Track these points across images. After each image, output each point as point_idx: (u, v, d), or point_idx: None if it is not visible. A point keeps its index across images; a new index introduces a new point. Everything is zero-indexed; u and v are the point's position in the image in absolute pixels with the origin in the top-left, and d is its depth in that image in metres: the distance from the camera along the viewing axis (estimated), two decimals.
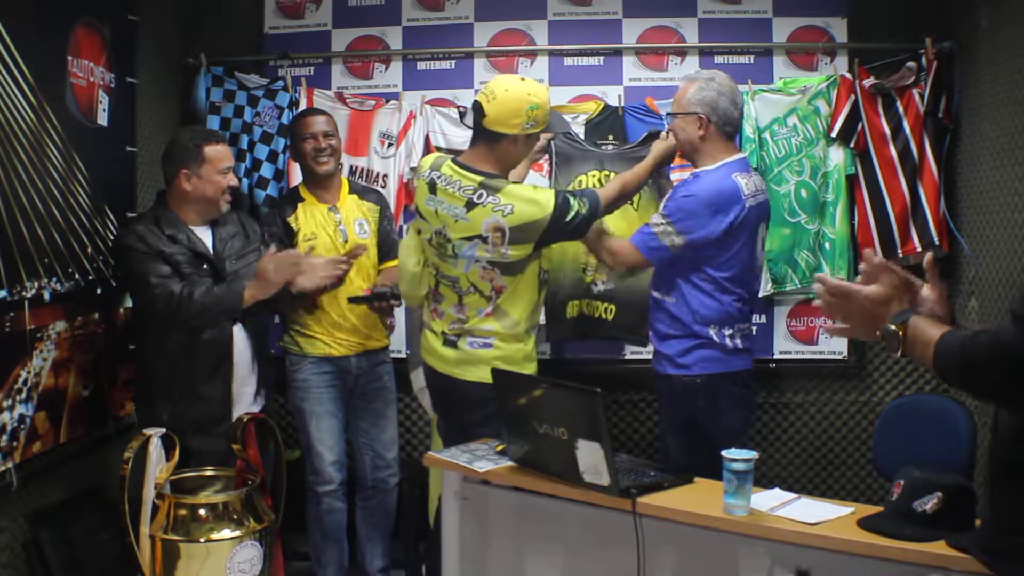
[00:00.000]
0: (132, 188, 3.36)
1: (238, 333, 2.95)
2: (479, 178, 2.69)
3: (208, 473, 2.89)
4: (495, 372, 2.66)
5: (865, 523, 2.08)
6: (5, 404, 2.56)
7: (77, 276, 2.93)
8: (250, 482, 2.80)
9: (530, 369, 2.84)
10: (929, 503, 2.03)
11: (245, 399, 2.99)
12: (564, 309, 3.54)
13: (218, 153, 2.92)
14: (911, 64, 3.47)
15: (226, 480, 2.88)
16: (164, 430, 2.77)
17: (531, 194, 2.71)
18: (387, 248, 3.34)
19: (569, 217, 2.68)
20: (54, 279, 2.81)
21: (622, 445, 3.77)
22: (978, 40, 3.32)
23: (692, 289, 2.80)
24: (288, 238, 3.20)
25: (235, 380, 2.94)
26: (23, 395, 2.65)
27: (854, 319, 1.74)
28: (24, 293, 2.65)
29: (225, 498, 2.74)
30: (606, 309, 3.52)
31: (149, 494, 2.69)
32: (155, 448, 2.73)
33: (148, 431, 2.74)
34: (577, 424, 2.30)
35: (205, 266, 2.92)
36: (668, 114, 3.00)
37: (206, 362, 2.89)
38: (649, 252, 2.81)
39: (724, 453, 2.17)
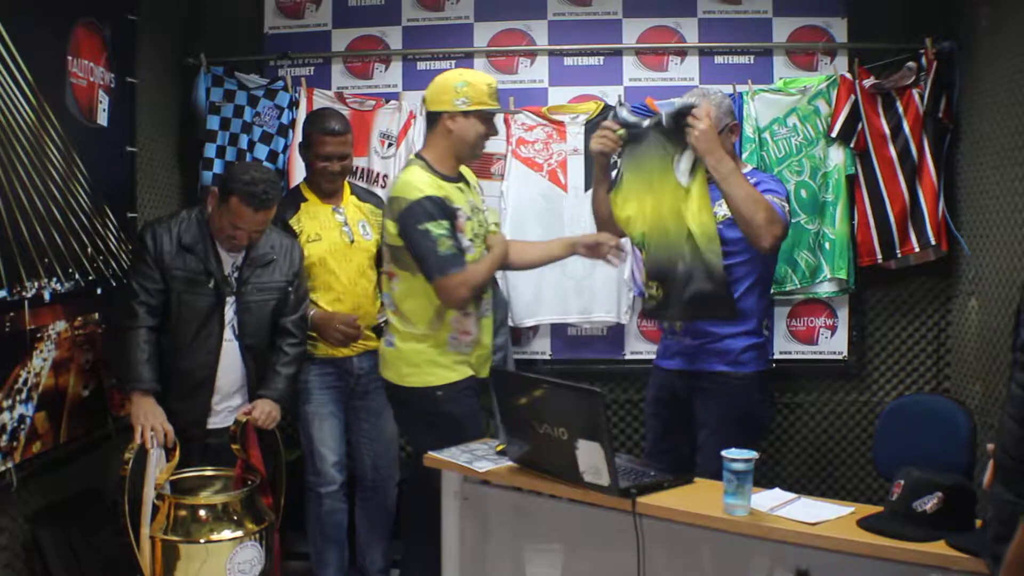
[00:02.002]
0: (132, 188, 3.36)
1: (230, 351, 2.92)
2: (412, 157, 2.87)
3: (208, 473, 2.88)
4: (495, 372, 2.67)
5: (865, 523, 2.08)
6: (5, 404, 2.56)
7: (77, 276, 2.92)
8: (250, 483, 2.80)
9: (442, 378, 2.79)
10: (929, 503, 2.03)
11: (220, 415, 2.94)
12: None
13: (241, 212, 2.78)
14: (911, 64, 3.47)
15: (226, 480, 2.88)
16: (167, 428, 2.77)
17: (415, 179, 2.74)
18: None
19: (424, 228, 2.66)
20: (54, 279, 2.81)
21: (622, 445, 3.77)
22: (978, 40, 3.32)
23: (762, 284, 2.87)
24: None
25: (216, 395, 2.92)
26: (23, 395, 2.65)
27: None
28: (24, 293, 2.65)
29: (225, 499, 2.73)
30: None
31: (149, 495, 2.68)
32: (155, 449, 2.73)
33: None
34: (577, 424, 2.30)
35: (211, 285, 2.86)
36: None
37: (184, 382, 2.87)
38: (786, 229, 2.76)
39: (724, 453, 2.17)
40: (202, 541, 2.65)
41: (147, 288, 2.83)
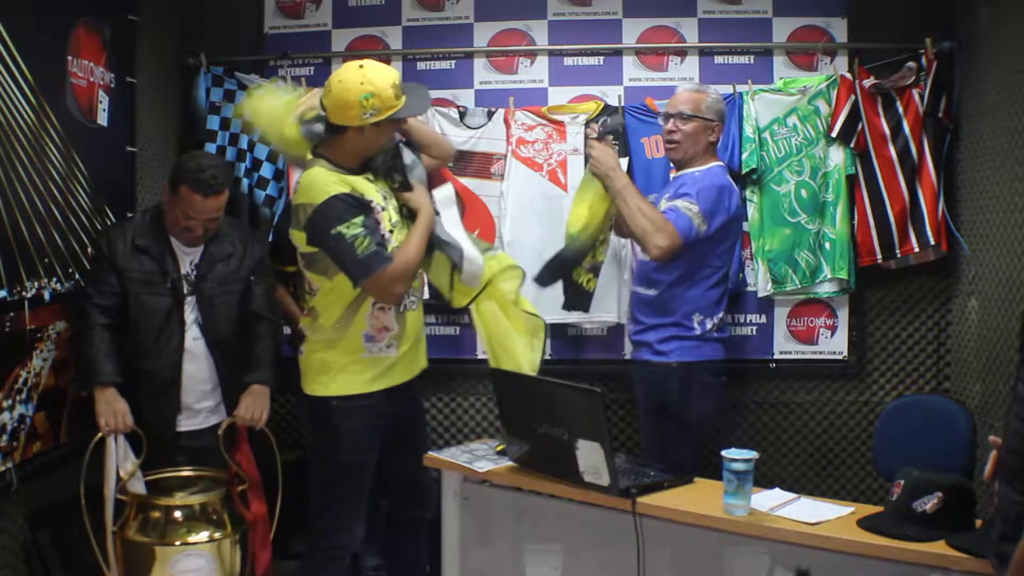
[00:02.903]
0: (132, 188, 3.36)
1: (197, 349, 2.88)
2: (309, 156, 2.65)
3: (185, 473, 2.84)
4: (495, 372, 2.66)
5: (865, 523, 2.08)
6: (5, 404, 2.56)
7: (77, 276, 2.92)
8: (224, 487, 2.76)
9: (343, 388, 2.65)
10: (929, 503, 2.04)
11: (198, 416, 2.92)
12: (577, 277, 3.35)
13: (191, 200, 2.76)
14: (911, 64, 3.47)
15: (209, 483, 2.82)
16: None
17: (319, 181, 2.54)
18: None
19: (337, 231, 2.47)
20: (54, 279, 2.81)
21: (622, 445, 3.77)
22: (978, 40, 3.32)
23: (689, 279, 2.93)
24: None
25: (187, 395, 2.89)
26: (23, 395, 2.65)
27: None
28: (24, 293, 2.65)
29: (192, 501, 2.68)
30: (588, 280, 3.40)
31: (110, 492, 2.65)
32: (117, 445, 2.68)
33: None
34: (577, 424, 2.30)
35: (168, 285, 2.84)
36: (682, 115, 2.99)
37: (150, 383, 2.84)
38: (686, 235, 2.84)
39: (724, 453, 2.17)
40: (151, 542, 2.61)
41: (101, 291, 2.81)
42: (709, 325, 2.95)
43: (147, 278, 2.83)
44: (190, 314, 2.89)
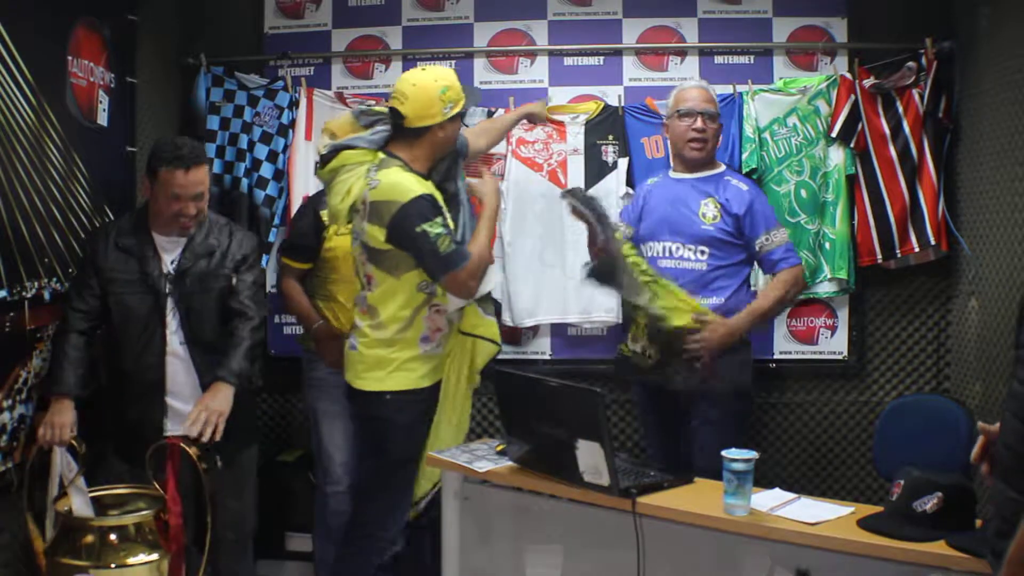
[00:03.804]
0: (132, 188, 3.36)
1: (179, 350, 2.81)
2: (382, 156, 2.75)
3: (120, 491, 2.75)
4: (495, 372, 2.66)
5: (865, 523, 2.08)
6: (5, 404, 2.56)
7: None
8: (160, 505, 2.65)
9: (400, 383, 2.73)
10: (929, 503, 2.04)
11: (179, 421, 2.81)
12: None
13: (172, 178, 2.71)
14: (911, 64, 3.47)
15: (150, 501, 2.71)
16: (73, 434, 2.64)
17: (403, 180, 2.67)
18: None
19: (422, 230, 2.61)
20: (54, 279, 2.81)
21: (622, 445, 3.77)
22: (978, 40, 3.32)
23: (746, 282, 3.09)
24: (316, 233, 3.16)
25: (173, 398, 2.82)
26: (23, 395, 2.65)
27: None
28: (24, 293, 2.65)
29: (126, 521, 2.57)
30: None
31: (51, 496, 2.59)
32: (59, 456, 2.59)
33: None
34: (577, 424, 2.30)
35: (148, 283, 2.79)
36: (710, 114, 3.09)
37: (134, 385, 2.80)
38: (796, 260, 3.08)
39: (724, 453, 2.17)
40: (81, 565, 2.48)
41: (81, 294, 2.78)
42: None
43: (128, 279, 2.79)
44: (171, 314, 2.81)
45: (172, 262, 2.84)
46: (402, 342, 2.73)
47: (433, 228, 2.62)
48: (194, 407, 2.72)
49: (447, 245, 2.63)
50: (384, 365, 2.74)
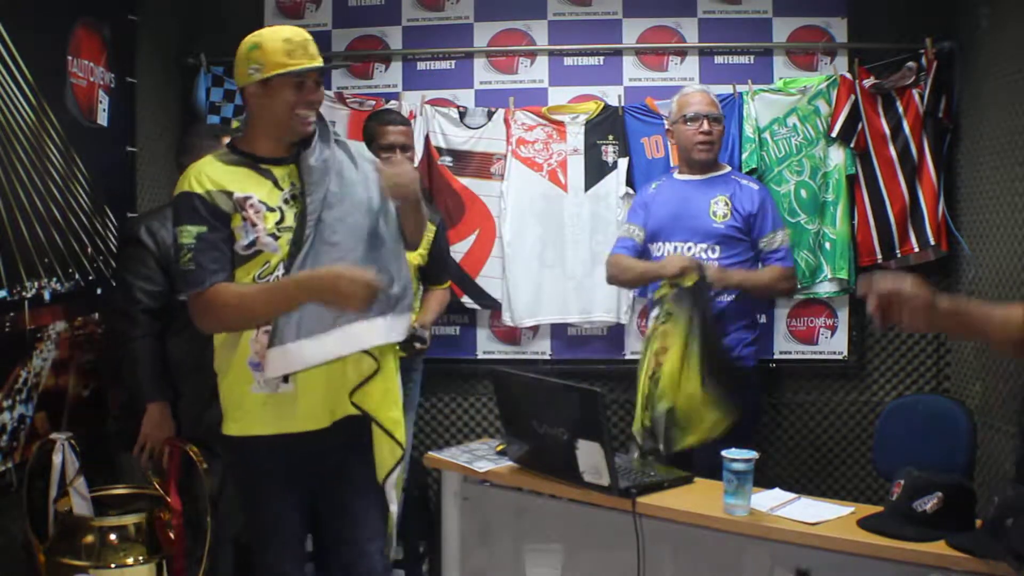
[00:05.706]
0: (132, 188, 3.36)
1: None
2: None
3: (120, 491, 2.72)
4: (495, 373, 2.66)
5: (865, 523, 2.08)
6: (5, 404, 2.56)
7: (77, 276, 2.92)
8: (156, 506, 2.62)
9: (237, 428, 2.23)
10: (929, 503, 2.04)
11: None
12: None
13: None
14: (911, 64, 3.47)
15: (150, 501, 2.67)
16: (70, 434, 2.56)
17: (190, 171, 2.19)
18: (438, 270, 3.27)
19: (176, 231, 2.14)
20: (54, 279, 2.81)
21: (622, 445, 3.77)
22: (978, 40, 3.32)
23: None
24: None
25: None
26: (23, 395, 2.65)
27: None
28: (24, 293, 2.65)
29: (126, 521, 2.53)
30: None
31: (51, 502, 2.54)
32: (62, 454, 2.53)
33: (55, 435, 2.55)
34: (577, 424, 2.30)
35: None
36: (715, 116, 3.12)
37: (202, 387, 2.53)
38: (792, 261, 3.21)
39: (724, 453, 2.17)
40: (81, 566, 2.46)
41: (149, 291, 2.70)
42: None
43: None
44: None
45: None
46: (231, 374, 2.23)
47: (183, 236, 2.11)
48: None
49: (186, 260, 2.11)
50: (227, 404, 2.27)
